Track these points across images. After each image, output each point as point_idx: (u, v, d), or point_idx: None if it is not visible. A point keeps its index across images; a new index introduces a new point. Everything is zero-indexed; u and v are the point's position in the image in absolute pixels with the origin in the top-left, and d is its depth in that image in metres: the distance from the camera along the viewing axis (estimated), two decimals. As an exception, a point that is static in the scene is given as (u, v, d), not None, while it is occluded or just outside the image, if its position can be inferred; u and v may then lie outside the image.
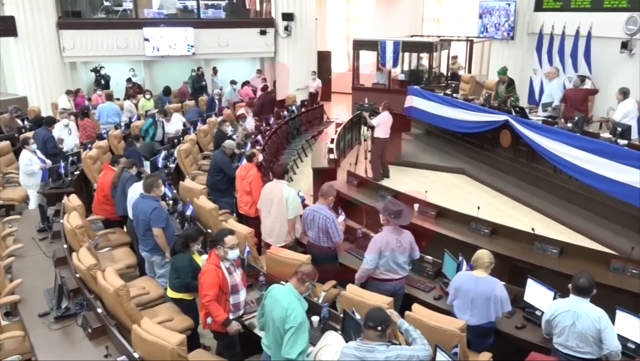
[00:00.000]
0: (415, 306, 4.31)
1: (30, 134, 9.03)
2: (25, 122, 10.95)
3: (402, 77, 14.49)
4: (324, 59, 17.92)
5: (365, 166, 10.14)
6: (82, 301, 4.71)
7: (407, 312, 4.19)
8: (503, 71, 10.65)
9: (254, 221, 6.45)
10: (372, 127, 9.80)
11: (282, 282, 4.73)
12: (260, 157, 7.92)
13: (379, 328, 3.30)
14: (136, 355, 3.85)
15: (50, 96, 13.52)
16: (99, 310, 4.46)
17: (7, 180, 8.46)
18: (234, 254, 4.41)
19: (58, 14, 14.23)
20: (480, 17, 13.91)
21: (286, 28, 15.50)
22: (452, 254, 5.09)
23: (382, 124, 9.66)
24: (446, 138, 11.54)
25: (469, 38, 14.92)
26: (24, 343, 4.49)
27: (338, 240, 5.47)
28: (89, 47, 14.58)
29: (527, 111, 9.30)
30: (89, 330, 4.31)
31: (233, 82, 14.73)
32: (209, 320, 4.34)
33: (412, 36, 15.68)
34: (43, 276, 5.17)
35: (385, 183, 9.08)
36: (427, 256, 5.49)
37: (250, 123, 11.08)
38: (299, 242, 6.20)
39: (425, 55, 14.14)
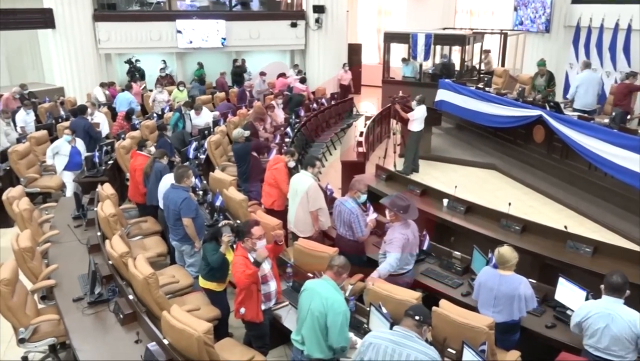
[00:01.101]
0: (443, 302, 4.27)
1: (67, 123, 9.28)
2: (62, 111, 11.26)
3: (432, 70, 14.30)
4: (354, 51, 17.84)
5: (394, 159, 10.07)
6: (115, 288, 4.83)
7: (434, 308, 4.16)
8: (542, 63, 10.31)
9: (280, 213, 6.47)
10: (402, 121, 9.71)
11: (310, 274, 4.79)
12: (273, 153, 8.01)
13: (417, 317, 3.32)
14: (166, 342, 3.93)
15: (86, 86, 13.83)
16: (131, 297, 4.56)
17: (44, 168, 8.71)
18: (261, 245, 4.44)
19: (94, 6, 14.53)
20: (515, 9, 13.61)
21: (317, 20, 15.47)
22: (481, 251, 5.03)
23: (419, 118, 9.59)
24: (477, 133, 11.37)
25: (503, 31, 14.61)
26: (59, 327, 4.63)
27: (361, 236, 5.45)
28: (124, 39, 14.85)
29: (562, 106, 9.08)
30: (121, 316, 4.42)
31: (262, 74, 14.80)
32: (242, 310, 4.36)
33: (444, 29, 15.45)
34: (77, 262, 5.33)
35: (414, 177, 9.00)
36: (456, 252, 5.43)
37: (280, 116, 11.12)
38: (325, 235, 6.21)
39: (457, 49, 13.92)
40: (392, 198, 5.04)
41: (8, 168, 8.15)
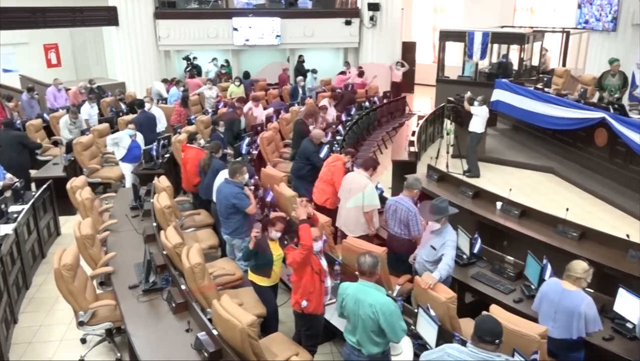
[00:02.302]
0: (494, 307, 4.17)
1: (129, 117, 9.66)
2: (123, 105, 11.73)
3: (489, 69, 13.95)
4: (408, 50, 17.63)
5: (446, 160, 9.91)
6: (168, 277, 4.99)
7: (484, 312, 4.07)
8: (615, 60, 9.72)
9: (331, 212, 6.48)
10: (458, 118, 9.56)
11: (357, 272, 4.78)
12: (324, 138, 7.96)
13: (497, 341, 3.14)
14: (215, 332, 4.03)
15: (146, 82, 14.34)
16: (183, 287, 4.71)
17: (105, 160, 9.09)
18: (317, 246, 4.43)
19: (155, 4, 15.03)
20: (579, 6, 13.08)
21: (371, 18, 15.39)
22: (535, 257, 4.87)
23: (480, 117, 9.40)
24: (534, 135, 11.01)
25: (565, 29, 14.07)
26: (115, 312, 4.83)
27: (417, 235, 5.39)
28: (182, 36, 15.28)
29: (627, 108, 8.65)
30: (173, 305, 4.56)
31: (314, 71, 14.86)
32: (304, 302, 4.32)
33: (502, 27, 15.03)
34: (134, 251, 5.53)
35: (466, 178, 8.81)
36: (508, 257, 5.28)
37: (331, 114, 11.15)
38: (375, 234, 6.18)
39: (515, 47, 13.51)
40: (435, 205, 4.87)
41: (72, 159, 8.56)
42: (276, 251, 4.81)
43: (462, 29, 14.04)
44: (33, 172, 8.52)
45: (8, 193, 6.81)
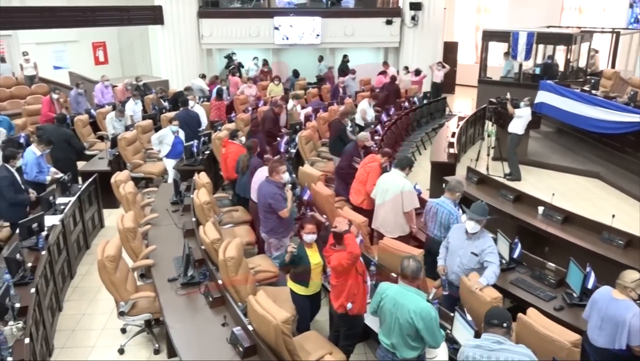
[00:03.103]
0: (531, 311, 4.07)
1: (171, 114, 9.88)
2: (166, 102, 12.01)
3: (537, 70, 13.58)
4: (450, 50, 17.39)
5: (487, 162, 9.72)
6: (206, 271, 5.08)
7: (519, 314, 4.00)
8: None
9: (367, 212, 6.44)
10: (499, 120, 9.36)
11: (393, 274, 4.75)
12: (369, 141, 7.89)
13: (505, 324, 3.28)
14: (250, 328, 4.08)
15: (189, 80, 14.60)
16: (220, 281, 4.78)
17: (148, 155, 9.33)
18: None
19: (199, 3, 15.32)
20: (631, 6, 12.64)
21: (413, 18, 15.24)
22: (578, 264, 4.72)
23: (523, 119, 9.22)
24: (580, 138, 10.68)
25: (615, 29, 13.57)
26: (155, 304, 4.95)
27: None
28: (224, 35, 15.52)
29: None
30: (210, 299, 4.65)
31: (352, 72, 14.82)
32: (349, 305, 4.27)
33: (548, 27, 14.63)
34: (173, 245, 5.66)
35: (508, 182, 8.62)
36: (550, 263, 5.14)
37: (370, 114, 11.11)
38: (411, 235, 6.12)
39: (562, 48, 13.13)
40: (479, 204, 4.79)
41: (117, 154, 8.82)
42: (314, 259, 4.65)
43: (506, 28, 13.74)
44: (80, 165, 8.81)
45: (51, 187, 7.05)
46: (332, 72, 15.34)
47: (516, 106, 9.45)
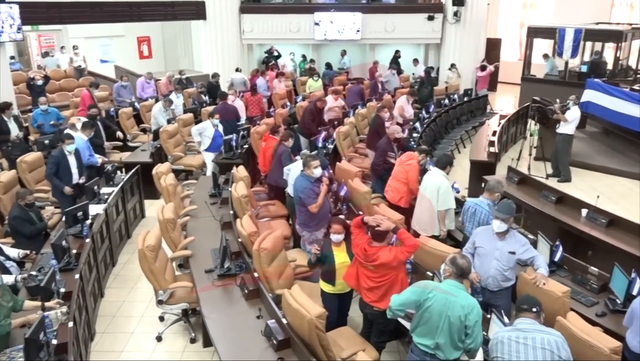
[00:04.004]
0: (571, 315, 3.97)
1: (211, 108, 10.04)
2: (206, 97, 12.20)
3: (584, 68, 13.15)
4: (493, 46, 17.01)
5: (528, 162, 9.49)
6: (242, 264, 5.15)
7: (558, 317, 3.91)
8: None
9: (404, 210, 6.39)
10: (543, 119, 9.09)
11: (429, 272, 4.70)
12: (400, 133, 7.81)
13: (534, 309, 3.46)
14: (284, 321, 4.12)
15: (229, 74, 14.77)
16: (255, 274, 4.84)
17: (188, 148, 9.51)
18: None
19: (241, -1, 15.48)
20: (688, 2, 12.02)
21: (455, 14, 14.96)
22: (623, 270, 4.56)
23: (576, 118, 9.02)
24: (628, 139, 10.29)
25: (670, 26, 13.00)
26: (192, 294, 5.05)
27: None
28: (265, 30, 15.61)
29: None
30: (246, 291, 4.71)
31: (392, 67, 14.68)
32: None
33: (597, 23, 14.12)
34: (211, 237, 5.76)
35: (550, 183, 8.39)
36: (592, 268, 4.98)
37: (408, 110, 11.00)
38: (449, 234, 6.03)
39: (611, 45, 12.66)
40: (505, 203, 4.70)
41: (159, 146, 9.02)
42: (340, 258, 4.61)
43: (553, 25, 13.34)
44: (124, 156, 9.06)
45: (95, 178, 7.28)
46: (376, 67, 15.17)
47: (566, 109, 9.10)
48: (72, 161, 6.95)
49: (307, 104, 10.58)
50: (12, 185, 6.88)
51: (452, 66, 14.46)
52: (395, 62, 15.65)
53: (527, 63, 13.81)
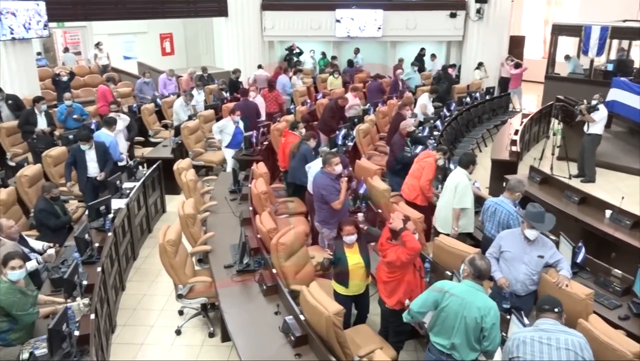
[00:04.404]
0: (593, 317, 3.90)
1: (232, 104, 10.09)
2: (227, 93, 12.27)
3: (609, 67, 12.88)
4: (516, 44, 16.78)
5: (551, 162, 9.34)
6: (261, 260, 5.18)
7: (580, 319, 3.85)
8: None
9: (422, 208, 6.34)
10: (567, 118, 8.93)
11: (448, 272, 4.66)
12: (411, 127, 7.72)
13: (556, 309, 3.43)
14: (302, 318, 4.13)
15: (250, 71, 14.83)
16: (274, 270, 4.86)
17: (209, 144, 9.59)
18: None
19: (262, -4, 15.52)
20: None
21: (478, 11, 14.78)
22: (648, 273, 4.47)
23: (602, 120, 8.87)
24: (655, 139, 10.07)
25: (701, 24, 12.65)
26: (211, 289, 5.10)
27: None
28: (286, 27, 15.63)
29: None
30: (264, 287, 4.74)
31: (414, 64, 14.56)
32: (407, 301, 4.20)
33: (624, 21, 13.80)
34: (230, 232, 5.80)
35: (573, 183, 8.26)
36: (616, 270, 4.89)
37: (430, 109, 10.91)
38: (470, 235, 5.98)
39: (638, 43, 12.39)
40: (536, 212, 4.52)
41: (180, 142, 9.11)
42: (353, 259, 4.58)
43: (578, 22, 13.10)
44: (146, 152, 9.17)
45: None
46: (401, 64, 15.04)
47: (593, 109, 8.91)
48: (90, 156, 7.03)
49: (328, 102, 10.58)
50: (37, 179, 7.03)
51: (480, 64, 14.26)
52: (419, 60, 15.52)
53: (551, 61, 13.58)
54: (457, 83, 13.88)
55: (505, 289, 4.54)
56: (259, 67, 13.85)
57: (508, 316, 4.14)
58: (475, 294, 3.59)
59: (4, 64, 10.18)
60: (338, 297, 4.63)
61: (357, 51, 16.51)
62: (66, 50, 15.68)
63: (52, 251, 5.13)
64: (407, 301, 4.20)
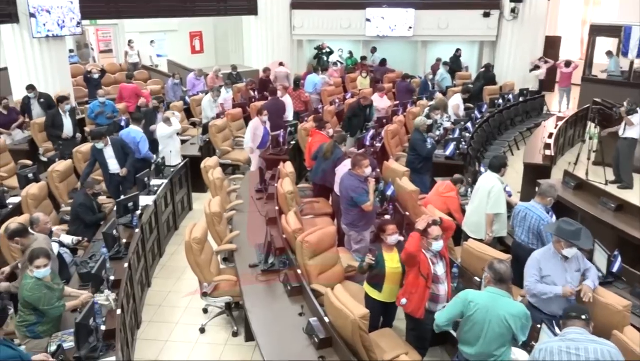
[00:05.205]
0: (628, 328, 3.75)
1: (260, 103, 10.09)
2: (255, 93, 12.29)
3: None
4: (551, 45, 16.31)
5: (586, 167, 9.05)
6: (286, 260, 5.14)
7: (614, 331, 3.70)
8: None
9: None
10: (604, 121, 8.63)
11: (477, 278, 4.53)
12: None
13: (583, 316, 3.31)
14: (326, 319, 4.07)
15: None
16: (299, 271, 4.81)
17: (236, 143, 9.60)
18: (437, 245, 4.20)
19: (292, -5, 15.51)
20: None
21: (513, 10, 14.43)
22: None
23: None
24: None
25: None
26: (235, 287, 5.08)
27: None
28: (316, 26, 15.59)
29: None
30: (288, 287, 4.70)
31: (445, 64, 14.32)
32: (403, 300, 4.25)
33: (666, 21, 13.32)
34: (256, 231, 5.76)
35: (609, 189, 7.97)
36: (649, 278, 4.69)
37: (462, 110, 10.71)
38: (499, 238, 5.82)
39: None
40: (570, 231, 4.29)
41: (207, 140, 9.15)
42: (391, 263, 4.44)
43: (618, 22, 12.68)
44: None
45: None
46: (438, 64, 14.81)
47: (632, 111, 8.59)
48: (108, 153, 7.02)
49: (352, 101, 10.51)
50: (68, 174, 7.15)
51: (536, 67, 13.91)
52: (455, 61, 15.26)
53: (588, 62, 13.19)
54: (494, 84, 13.50)
55: (573, 296, 4.30)
56: (280, 64, 13.82)
57: (538, 325, 4.00)
58: (498, 300, 3.52)
59: (37, 61, 10.40)
60: (368, 300, 4.53)
61: (373, 50, 16.37)
62: (85, 46, 15.94)
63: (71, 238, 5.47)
64: (403, 300, 4.26)
